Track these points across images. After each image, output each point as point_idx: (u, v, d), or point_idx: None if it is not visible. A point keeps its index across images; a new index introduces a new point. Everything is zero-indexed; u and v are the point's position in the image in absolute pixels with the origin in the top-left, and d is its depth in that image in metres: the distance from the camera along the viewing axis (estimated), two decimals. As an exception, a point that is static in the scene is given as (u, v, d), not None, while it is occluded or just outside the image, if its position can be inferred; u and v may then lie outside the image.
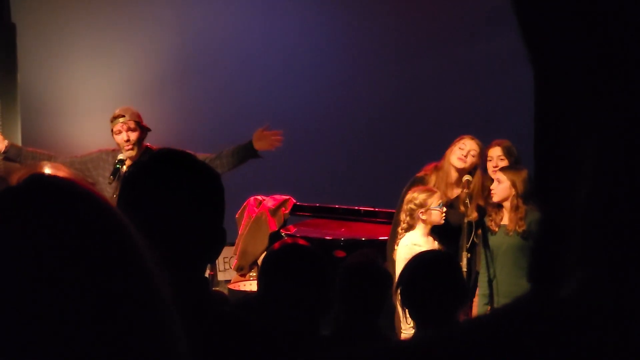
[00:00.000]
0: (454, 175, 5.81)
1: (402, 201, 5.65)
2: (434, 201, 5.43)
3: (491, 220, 5.50)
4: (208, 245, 1.90)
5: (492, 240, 5.47)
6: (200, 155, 5.32)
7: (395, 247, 5.53)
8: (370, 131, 7.85)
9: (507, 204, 5.39)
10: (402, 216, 5.54)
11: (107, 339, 0.92)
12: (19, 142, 7.22)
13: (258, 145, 5.69)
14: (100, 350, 0.91)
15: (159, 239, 1.77)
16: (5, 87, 7.33)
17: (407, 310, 3.44)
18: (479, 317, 0.91)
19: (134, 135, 5.66)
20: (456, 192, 5.84)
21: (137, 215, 1.79)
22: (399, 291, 3.46)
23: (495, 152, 5.80)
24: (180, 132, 7.69)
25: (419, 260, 3.57)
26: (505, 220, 5.41)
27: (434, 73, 7.87)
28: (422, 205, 5.43)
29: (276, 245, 3.21)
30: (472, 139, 5.85)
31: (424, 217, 5.42)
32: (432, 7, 7.97)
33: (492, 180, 5.59)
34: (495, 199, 5.42)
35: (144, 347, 0.95)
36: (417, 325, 3.51)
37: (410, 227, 5.49)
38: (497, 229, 5.45)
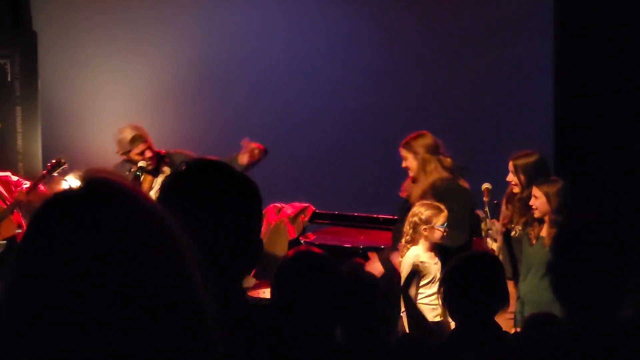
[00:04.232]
0: (415, 185, 5.83)
1: (404, 214, 5.68)
2: (439, 220, 5.42)
3: (531, 231, 5.45)
4: (244, 255, 1.90)
5: (529, 251, 5.43)
6: None
7: (400, 259, 5.51)
8: (390, 139, 7.83)
9: (547, 218, 5.33)
10: (406, 228, 5.51)
11: (151, 335, 0.99)
12: (39, 149, 7.26)
13: (241, 159, 6.07)
14: (146, 347, 0.98)
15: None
16: (26, 94, 7.38)
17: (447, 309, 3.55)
18: (545, 333, 0.91)
19: (151, 153, 6.21)
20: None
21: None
22: (441, 289, 3.57)
23: (510, 168, 5.73)
24: (198, 139, 7.69)
25: (461, 260, 3.66)
26: (544, 233, 5.36)
27: (457, 80, 7.84)
28: (426, 221, 5.42)
29: (290, 252, 3.21)
30: (401, 147, 5.97)
31: (425, 234, 5.42)
32: (449, 14, 7.94)
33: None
34: (537, 214, 5.37)
35: (184, 347, 1.01)
36: (457, 324, 3.60)
37: (412, 241, 5.48)
38: (534, 241, 5.41)
